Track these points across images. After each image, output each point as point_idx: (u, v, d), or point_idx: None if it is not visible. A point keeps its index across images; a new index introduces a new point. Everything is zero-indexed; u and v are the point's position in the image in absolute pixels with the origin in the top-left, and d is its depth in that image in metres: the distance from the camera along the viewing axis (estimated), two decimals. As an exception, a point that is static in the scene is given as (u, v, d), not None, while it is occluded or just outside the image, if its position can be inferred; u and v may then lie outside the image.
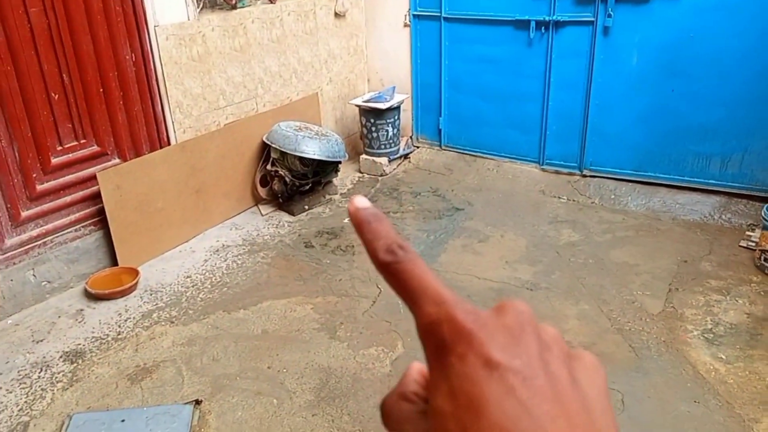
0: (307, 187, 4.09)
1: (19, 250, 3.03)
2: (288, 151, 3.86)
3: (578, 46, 4.01)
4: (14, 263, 3.01)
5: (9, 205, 2.98)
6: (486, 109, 4.57)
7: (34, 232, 3.10)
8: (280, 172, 3.96)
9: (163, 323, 2.91)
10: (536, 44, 4.17)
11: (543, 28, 4.09)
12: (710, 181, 3.83)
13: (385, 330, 2.80)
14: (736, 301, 2.91)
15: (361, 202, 0.33)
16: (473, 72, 4.52)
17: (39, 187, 3.10)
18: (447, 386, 0.27)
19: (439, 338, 0.28)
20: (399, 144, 4.66)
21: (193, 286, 3.21)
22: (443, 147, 4.85)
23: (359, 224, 0.32)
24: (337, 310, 2.96)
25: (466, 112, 4.67)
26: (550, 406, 0.26)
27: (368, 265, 3.25)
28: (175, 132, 3.60)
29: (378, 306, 2.97)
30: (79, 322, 2.95)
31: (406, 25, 4.69)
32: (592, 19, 3.89)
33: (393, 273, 0.31)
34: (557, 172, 4.32)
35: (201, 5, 3.63)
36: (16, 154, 2.97)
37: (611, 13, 3.79)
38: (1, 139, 2.88)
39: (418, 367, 0.35)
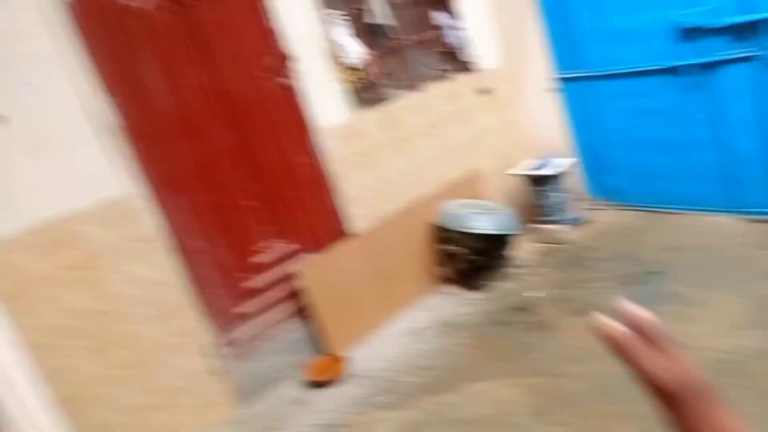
0: (485, 263, 4.12)
1: (239, 346, 3.36)
2: (459, 229, 3.94)
3: (740, 85, 3.71)
4: (238, 358, 3.33)
5: (226, 305, 3.34)
6: (658, 161, 4.35)
7: (251, 328, 3.42)
8: (456, 251, 4.03)
9: (377, 409, 3.02)
10: (694, 88, 3.93)
11: (698, 70, 3.85)
12: None
13: (603, 413, 2.64)
14: None
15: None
16: (635, 126, 4.35)
17: (244, 286, 3.42)
18: None
19: None
20: (572, 209, 4.55)
21: (395, 371, 3.31)
22: (620, 206, 4.65)
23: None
24: (548, 391, 2.87)
25: (637, 167, 4.48)
26: None
27: (571, 342, 3.14)
28: (354, 224, 3.84)
29: (593, 385, 2.82)
30: (304, 410, 3.15)
31: (553, 90, 4.69)
32: (755, 53, 3.58)
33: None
34: (757, 221, 3.93)
35: (357, 105, 3.90)
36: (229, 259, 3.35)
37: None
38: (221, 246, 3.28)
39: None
